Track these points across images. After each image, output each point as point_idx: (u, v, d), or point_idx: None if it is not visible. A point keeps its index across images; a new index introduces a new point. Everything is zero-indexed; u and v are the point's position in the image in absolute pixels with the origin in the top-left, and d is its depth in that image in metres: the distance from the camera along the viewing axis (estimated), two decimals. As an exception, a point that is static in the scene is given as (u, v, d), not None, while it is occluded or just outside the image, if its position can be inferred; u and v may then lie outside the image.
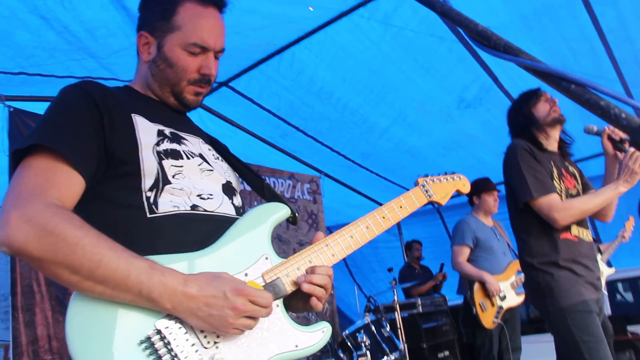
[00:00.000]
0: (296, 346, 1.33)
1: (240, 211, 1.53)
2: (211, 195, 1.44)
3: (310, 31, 4.09)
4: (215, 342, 1.24)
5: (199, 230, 1.36)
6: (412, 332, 4.76)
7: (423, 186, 1.76)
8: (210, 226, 1.38)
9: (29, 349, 3.70)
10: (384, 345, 3.99)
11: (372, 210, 1.61)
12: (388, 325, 4.20)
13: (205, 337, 1.23)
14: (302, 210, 6.03)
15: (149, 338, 1.17)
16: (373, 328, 4.04)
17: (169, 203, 1.35)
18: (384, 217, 1.61)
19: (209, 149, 1.60)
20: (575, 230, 2.77)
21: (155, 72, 1.50)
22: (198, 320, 1.19)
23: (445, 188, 1.84)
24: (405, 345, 4.38)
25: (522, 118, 2.96)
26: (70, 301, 1.18)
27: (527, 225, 2.84)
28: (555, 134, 2.93)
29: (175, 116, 1.56)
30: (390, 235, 7.86)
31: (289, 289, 1.36)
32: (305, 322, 4.55)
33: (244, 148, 5.53)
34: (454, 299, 6.68)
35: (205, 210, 1.40)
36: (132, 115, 1.40)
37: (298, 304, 1.49)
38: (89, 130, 1.31)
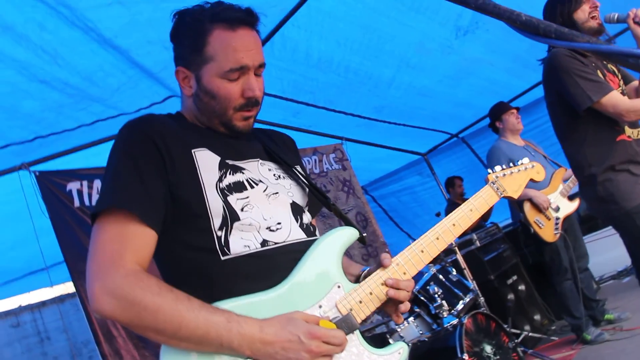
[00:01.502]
0: None
1: (309, 229, 1.52)
2: (279, 224, 1.43)
3: (293, 8, 4.05)
4: None
5: (272, 266, 1.37)
6: (476, 268, 4.79)
7: (493, 183, 1.70)
8: (283, 259, 1.39)
9: (129, 388, 3.86)
10: (456, 290, 4.04)
11: (442, 220, 1.58)
12: (454, 269, 4.23)
13: None
14: (335, 180, 6.04)
15: None
16: (441, 276, 4.08)
17: (240, 242, 1.36)
18: (454, 225, 1.57)
19: (269, 169, 1.55)
20: (628, 131, 2.74)
21: (200, 105, 1.49)
22: None
23: (517, 180, 1.77)
24: (474, 283, 4.42)
25: (561, 23, 2.84)
26: (161, 352, 1.27)
27: (580, 134, 2.78)
28: (592, 37, 2.83)
29: (230, 142, 1.52)
30: (424, 177, 7.88)
31: (361, 319, 1.37)
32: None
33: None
34: (504, 220, 6.70)
35: (275, 244, 1.40)
36: (193, 151, 1.41)
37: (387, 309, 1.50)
38: (154, 177, 1.33)
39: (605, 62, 2.87)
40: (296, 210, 1.51)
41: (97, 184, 4.12)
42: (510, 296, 4.94)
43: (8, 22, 2.63)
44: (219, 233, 1.35)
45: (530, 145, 4.82)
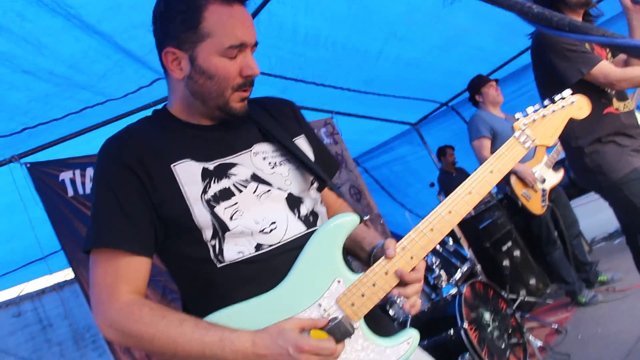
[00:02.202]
0: None
1: (309, 220, 1.45)
2: (274, 223, 1.38)
3: (278, -16, 3.98)
4: None
5: (268, 269, 1.35)
6: (471, 236, 4.84)
7: (520, 134, 1.44)
8: (280, 260, 1.36)
9: (135, 372, 3.90)
10: (453, 260, 4.08)
11: (455, 190, 1.40)
12: (450, 239, 4.27)
13: None
14: (327, 155, 6.03)
15: None
16: (438, 246, 4.11)
17: (234, 249, 1.35)
18: (470, 193, 1.40)
19: (264, 158, 1.46)
20: (616, 103, 2.75)
21: (195, 88, 1.39)
22: None
23: (553, 123, 1.47)
24: (471, 251, 4.47)
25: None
26: None
27: None
28: (581, 10, 2.82)
29: (220, 136, 1.45)
30: (415, 147, 7.88)
31: (364, 313, 1.33)
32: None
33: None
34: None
35: (270, 246, 1.36)
36: (172, 166, 1.35)
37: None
38: (136, 205, 1.33)
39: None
40: (293, 202, 1.44)
41: (90, 172, 4.08)
42: (506, 262, 5.00)
43: (-12, 14, 2.56)
44: (212, 243, 1.35)
45: (511, 119, 4.82)
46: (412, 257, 1.35)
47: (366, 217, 1.47)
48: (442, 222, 1.37)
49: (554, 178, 4.53)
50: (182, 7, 1.36)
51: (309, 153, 1.57)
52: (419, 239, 1.36)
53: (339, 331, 1.29)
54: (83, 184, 4.05)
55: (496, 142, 4.59)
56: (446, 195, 4.90)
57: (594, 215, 6.21)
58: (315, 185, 1.55)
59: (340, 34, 4.89)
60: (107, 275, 1.31)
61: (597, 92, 2.70)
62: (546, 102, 1.48)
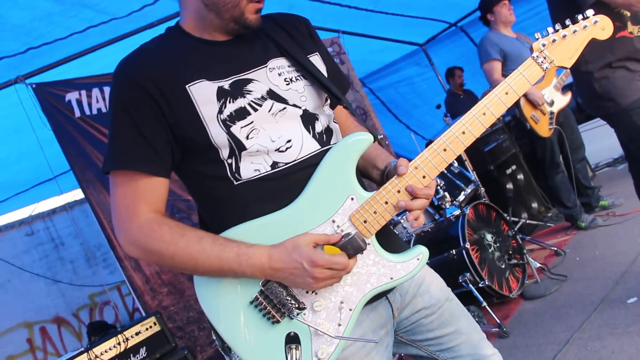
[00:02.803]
0: (391, 278, 1.37)
1: (323, 138, 1.44)
2: (289, 141, 1.38)
3: None
4: (312, 290, 1.34)
5: (284, 186, 1.37)
6: (476, 159, 4.84)
7: (538, 55, 1.39)
8: (295, 177, 1.37)
9: (146, 287, 4.06)
10: (457, 182, 4.12)
11: (469, 111, 1.38)
12: (455, 161, 4.29)
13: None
14: (333, 76, 5.97)
15: (256, 298, 1.33)
16: (442, 169, 4.13)
17: (250, 167, 1.36)
18: (484, 114, 1.38)
19: (279, 74, 1.44)
20: (631, 27, 2.68)
21: (209, 0, 1.37)
22: (289, 283, 1.32)
23: (573, 44, 1.41)
24: (475, 174, 4.51)
25: None
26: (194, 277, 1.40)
27: None
28: None
29: (235, 51, 1.42)
30: (422, 68, 7.77)
31: (376, 230, 1.35)
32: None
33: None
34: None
35: (286, 164, 1.37)
36: (187, 87, 1.34)
37: None
38: (153, 126, 1.33)
39: None
40: (308, 119, 1.44)
41: (96, 92, 4.07)
42: (509, 185, 5.05)
43: None
44: (229, 161, 1.36)
45: (523, 37, 4.71)
46: (424, 177, 1.36)
47: (380, 136, 1.46)
48: (456, 142, 1.37)
49: (562, 101, 4.48)
50: None
51: (323, 71, 1.54)
52: (432, 158, 1.37)
53: (352, 247, 1.32)
54: (89, 104, 4.05)
55: (507, 63, 4.51)
56: (452, 117, 4.86)
57: (600, 141, 6.17)
58: (329, 102, 1.55)
59: (347, -50, 4.73)
60: (126, 195, 1.34)
61: (611, 14, 2.63)
62: (567, 21, 1.41)
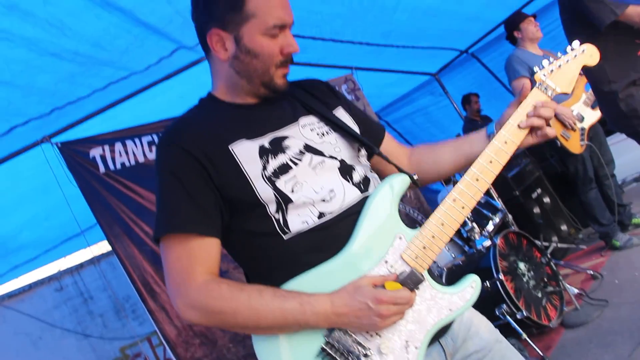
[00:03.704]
0: (450, 310, 1.39)
1: (362, 186, 1.50)
2: (332, 191, 1.43)
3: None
4: (377, 333, 1.35)
5: (333, 235, 1.40)
6: (500, 185, 4.81)
7: (541, 84, 1.52)
8: (342, 225, 1.41)
9: (178, 339, 4.03)
10: (485, 212, 4.09)
11: (490, 141, 1.46)
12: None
13: (367, 331, 1.35)
14: (350, 112, 6.00)
15: (323, 349, 1.32)
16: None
17: (298, 219, 1.39)
18: (506, 142, 1.46)
19: (311, 129, 1.53)
20: None
21: (240, 67, 1.46)
22: (355, 326, 1.33)
23: (569, 71, 1.54)
24: (501, 201, 4.46)
25: None
26: (252, 337, 1.38)
27: (599, 51, 2.72)
28: None
29: (267, 112, 1.51)
30: (437, 96, 7.78)
31: (428, 265, 1.39)
32: (409, 221, 4.66)
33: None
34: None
35: (331, 213, 1.41)
36: (230, 147, 1.40)
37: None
38: (202, 189, 1.37)
39: None
40: (345, 170, 1.49)
41: (119, 147, 4.12)
42: (536, 210, 5.00)
43: (11, 0, 2.56)
44: (277, 216, 1.39)
45: (550, 54, 4.70)
46: (463, 207, 1.43)
47: (416, 177, 1.52)
48: (486, 172, 1.44)
49: (593, 116, 4.43)
50: None
51: (350, 122, 1.62)
52: (468, 189, 1.43)
53: (412, 280, 1.35)
54: (113, 159, 4.10)
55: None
56: None
57: (624, 155, 6.10)
58: (364, 152, 1.62)
59: (356, -12, 4.80)
60: (181, 259, 1.36)
61: (631, 33, 2.63)
62: (559, 54, 1.57)
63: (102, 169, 4.02)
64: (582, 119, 4.36)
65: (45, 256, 6.17)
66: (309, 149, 1.47)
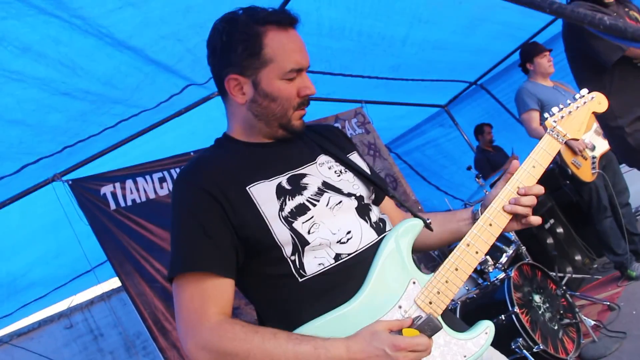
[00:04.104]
0: (464, 356, 1.38)
1: (380, 226, 1.51)
2: (349, 232, 1.43)
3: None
4: None
5: (349, 278, 1.39)
6: (513, 217, 4.76)
7: (552, 130, 1.55)
8: (358, 268, 1.40)
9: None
10: (498, 244, 4.03)
11: (502, 188, 1.50)
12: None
13: None
14: (361, 145, 6.01)
15: None
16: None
17: (314, 261, 1.39)
18: (519, 187, 1.49)
19: (329, 167, 1.55)
20: None
21: (258, 111, 1.47)
22: None
23: (578, 118, 1.60)
24: (514, 233, 4.40)
25: None
26: None
27: (605, 86, 2.72)
28: None
29: (285, 151, 1.53)
30: (447, 128, 7.79)
31: (442, 309, 1.38)
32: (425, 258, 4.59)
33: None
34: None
35: (349, 255, 1.41)
36: (248, 188, 1.40)
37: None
38: (218, 228, 1.36)
39: (627, 9, 2.78)
40: (362, 211, 1.50)
41: (129, 184, 4.14)
42: (550, 240, 4.93)
43: (25, 42, 2.62)
44: (292, 258, 1.38)
45: (560, 86, 4.70)
46: (477, 252, 1.44)
47: (429, 221, 1.52)
48: (499, 217, 1.47)
49: (604, 145, 4.40)
50: (243, 36, 1.43)
51: (364, 167, 1.65)
52: (481, 234, 1.45)
53: (429, 327, 1.34)
54: (124, 196, 4.11)
55: (544, 112, 4.49)
56: (483, 174, 4.84)
57: (638, 182, 6.03)
58: (373, 197, 1.62)
59: (364, 23, 4.85)
60: (194, 298, 1.34)
61: (635, 68, 2.63)
62: (568, 100, 1.63)
63: (112, 205, 4.03)
64: (593, 148, 4.33)
65: (55, 294, 6.15)
66: (327, 186, 1.49)
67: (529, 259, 4.21)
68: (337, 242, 1.41)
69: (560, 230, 5.16)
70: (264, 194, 1.41)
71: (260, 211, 1.38)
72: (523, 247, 4.35)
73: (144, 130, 4.33)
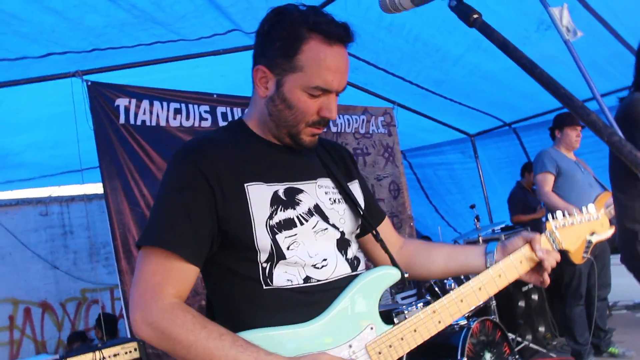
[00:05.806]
0: None
1: (354, 263, 1.50)
2: (325, 260, 1.42)
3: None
4: None
5: (311, 302, 1.38)
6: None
7: (550, 234, 1.58)
8: (323, 296, 1.39)
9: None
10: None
11: (487, 269, 1.49)
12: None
13: None
14: (378, 144, 5.97)
15: None
16: (461, 276, 4.05)
17: (283, 275, 1.37)
18: (500, 275, 1.49)
19: (326, 192, 1.52)
20: None
21: (273, 111, 1.43)
22: None
23: (576, 231, 1.63)
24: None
25: None
26: None
27: (637, 188, 2.65)
28: None
29: (292, 159, 1.50)
30: (466, 157, 7.73)
31: None
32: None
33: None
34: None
35: (318, 281, 1.40)
36: (246, 186, 1.38)
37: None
38: (202, 213, 1.33)
39: None
40: (342, 244, 1.49)
41: (145, 104, 4.11)
42: (521, 303, 4.92)
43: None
44: (265, 265, 1.37)
45: (581, 163, 4.64)
46: (439, 322, 1.44)
47: (406, 275, 1.50)
48: (472, 296, 1.46)
49: (605, 233, 4.36)
50: (284, 34, 1.38)
51: (360, 199, 1.62)
52: (450, 306, 1.45)
53: None
54: (136, 114, 4.09)
55: (559, 179, 4.44)
56: (513, 210, 4.79)
57: (624, 277, 5.97)
58: (358, 231, 1.61)
59: (425, 30, 4.77)
60: (156, 273, 1.31)
61: None
62: (575, 210, 1.65)
63: (122, 119, 4.01)
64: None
65: (40, 180, 6.20)
66: (317, 210, 1.46)
67: (495, 316, 4.20)
68: (312, 265, 1.40)
69: (535, 297, 5.15)
70: (259, 196, 1.38)
71: (250, 211, 1.36)
72: (493, 302, 4.34)
73: (176, 57, 4.28)
